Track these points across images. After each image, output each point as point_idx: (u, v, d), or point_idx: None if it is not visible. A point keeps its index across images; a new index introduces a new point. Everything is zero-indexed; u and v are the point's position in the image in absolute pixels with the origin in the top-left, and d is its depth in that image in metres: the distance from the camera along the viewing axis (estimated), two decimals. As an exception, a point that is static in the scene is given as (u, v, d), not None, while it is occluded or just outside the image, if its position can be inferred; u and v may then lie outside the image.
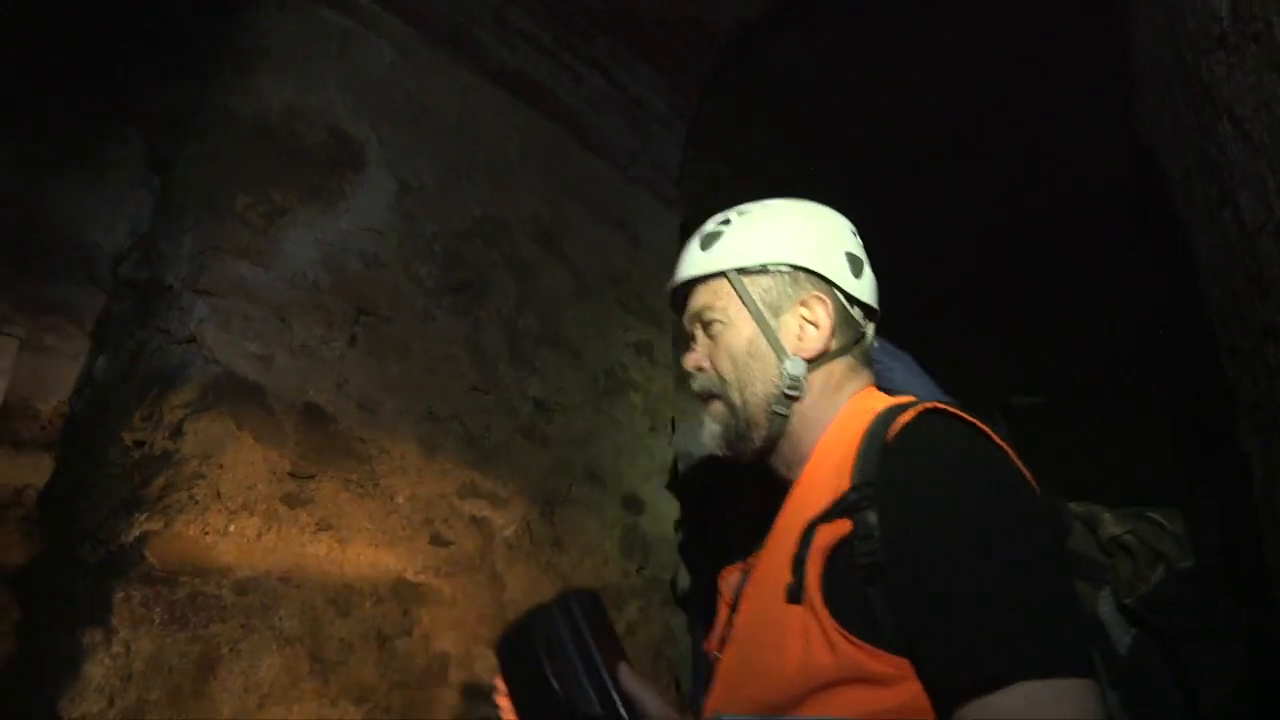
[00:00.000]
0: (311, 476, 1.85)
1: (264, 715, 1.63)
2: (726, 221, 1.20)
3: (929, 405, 0.94)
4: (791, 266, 1.14)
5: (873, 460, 0.90)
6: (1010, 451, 0.92)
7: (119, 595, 1.51)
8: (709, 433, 1.15)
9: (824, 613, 0.85)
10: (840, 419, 1.08)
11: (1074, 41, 3.30)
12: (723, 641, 1.07)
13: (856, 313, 1.17)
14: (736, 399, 1.12)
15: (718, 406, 1.14)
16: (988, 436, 0.92)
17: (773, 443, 1.11)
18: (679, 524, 2.96)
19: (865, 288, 1.18)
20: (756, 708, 0.89)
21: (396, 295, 2.14)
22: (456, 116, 2.44)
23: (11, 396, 1.77)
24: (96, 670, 1.46)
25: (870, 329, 1.20)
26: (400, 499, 2.00)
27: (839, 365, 1.13)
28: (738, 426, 1.12)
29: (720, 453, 1.15)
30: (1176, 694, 0.85)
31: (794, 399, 1.10)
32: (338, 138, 2.10)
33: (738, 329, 1.14)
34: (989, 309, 4.41)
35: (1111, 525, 0.92)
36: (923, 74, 3.70)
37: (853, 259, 1.18)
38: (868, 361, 1.19)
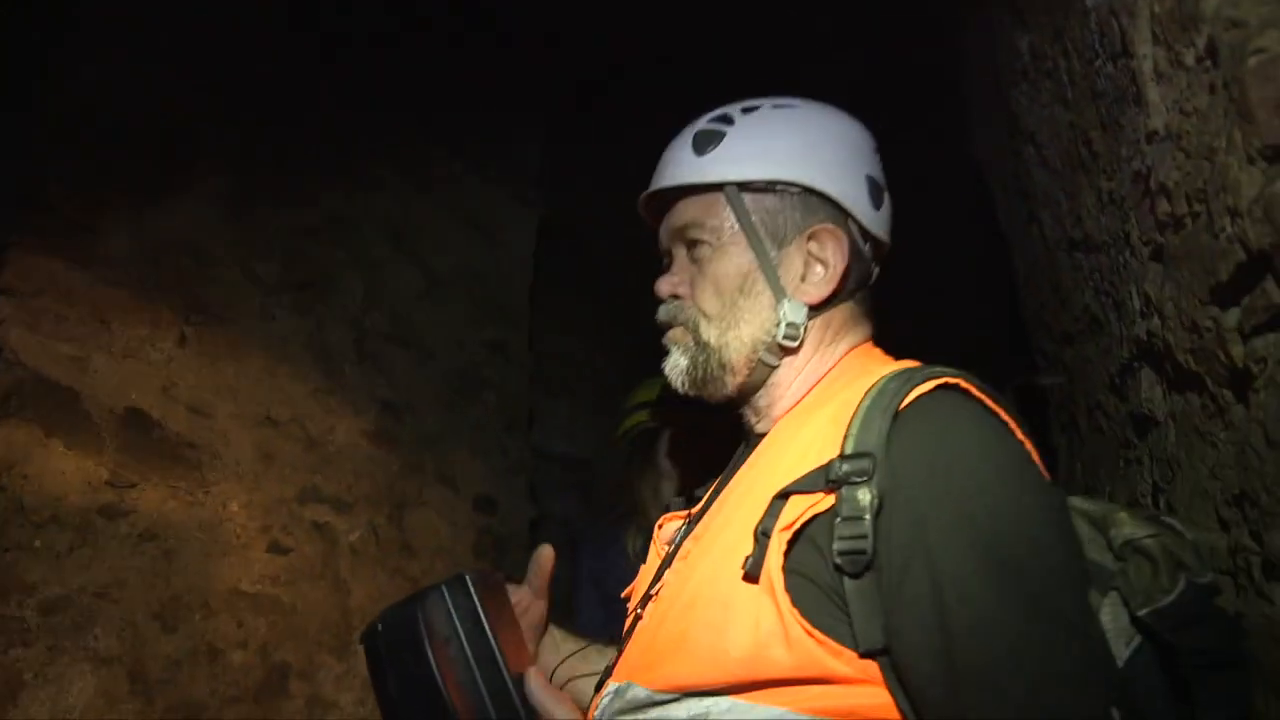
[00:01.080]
0: (133, 485, 1.75)
1: (75, 742, 1.53)
2: (727, 120, 0.98)
3: (950, 379, 0.79)
4: (803, 188, 0.94)
5: (875, 431, 0.75)
6: (1030, 443, 0.80)
7: (-100, 622, 1.38)
8: (673, 365, 0.97)
9: (784, 598, 0.72)
10: (834, 376, 0.93)
11: (923, 75, 3.48)
12: (646, 598, 0.91)
13: (868, 250, 0.98)
14: (713, 338, 0.94)
15: (686, 338, 0.96)
16: (1011, 427, 0.79)
17: (749, 392, 0.96)
18: (534, 523, 2.96)
19: (882, 220, 0.99)
20: (681, 690, 0.77)
21: (233, 293, 2.05)
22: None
23: None
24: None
25: (875, 268, 1.01)
26: (234, 506, 1.92)
27: (840, 313, 0.96)
28: (708, 367, 0.95)
29: (681, 389, 0.97)
30: (1172, 715, 0.74)
31: (788, 350, 0.94)
32: (169, 128, 1.98)
33: (730, 257, 0.94)
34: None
35: (1130, 526, 0.78)
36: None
37: (873, 185, 0.98)
38: (870, 310, 1.00)
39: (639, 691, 0.79)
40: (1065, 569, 0.73)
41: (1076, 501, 0.84)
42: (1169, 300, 0.98)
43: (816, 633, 0.70)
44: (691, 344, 0.96)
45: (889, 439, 0.74)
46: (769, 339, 0.92)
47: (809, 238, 0.94)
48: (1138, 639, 0.74)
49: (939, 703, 0.68)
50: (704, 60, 3.76)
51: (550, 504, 3.26)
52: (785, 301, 0.92)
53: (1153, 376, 1.14)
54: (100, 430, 1.72)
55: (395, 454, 2.36)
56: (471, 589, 0.77)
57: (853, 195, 0.96)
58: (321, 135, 2.38)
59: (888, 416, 0.75)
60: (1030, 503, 0.74)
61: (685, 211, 0.97)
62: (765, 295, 0.93)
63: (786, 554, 0.74)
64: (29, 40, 1.87)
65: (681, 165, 0.98)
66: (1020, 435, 0.79)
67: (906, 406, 0.76)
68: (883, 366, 0.89)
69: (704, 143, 0.97)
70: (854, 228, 0.96)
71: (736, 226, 0.94)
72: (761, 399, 0.96)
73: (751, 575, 0.75)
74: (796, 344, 0.93)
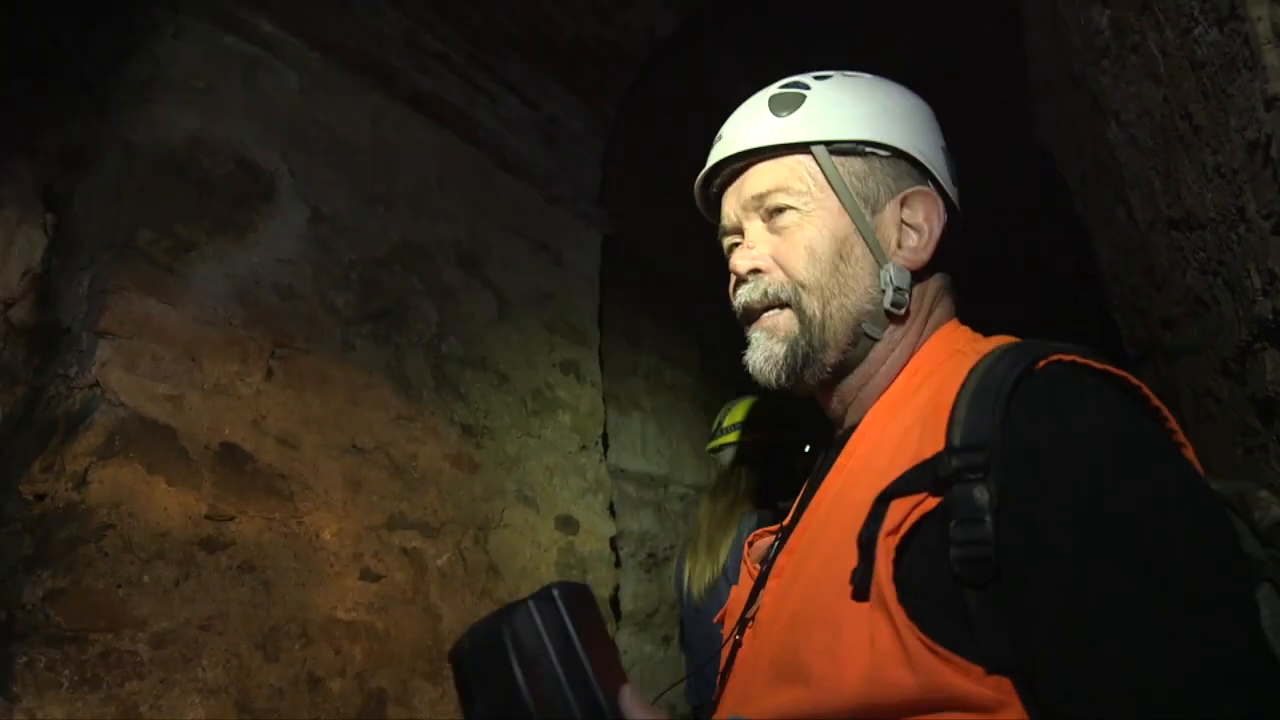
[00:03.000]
0: (231, 518, 1.79)
1: (189, 772, 1.56)
2: (803, 85, 0.92)
3: (1066, 355, 0.71)
4: (893, 151, 0.88)
5: (987, 418, 0.67)
6: (1170, 416, 0.71)
7: (21, 660, 1.43)
8: (766, 354, 0.89)
9: (899, 614, 0.64)
10: (923, 356, 0.85)
11: (989, 57, 3.42)
12: (744, 623, 0.84)
13: (951, 223, 0.91)
14: (816, 310, 0.86)
15: (785, 320, 0.88)
16: (1143, 401, 0.71)
17: (843, 372, 0.88)
18: (614, 541, 2.95)
19: (958, 193, 0.93)
20: None
21: (314, 326, 2.09)
22: (370, 142, 2.40)
23: (-103, 453, 1.67)
24: (1, 742, 1.38)
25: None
26: (327, 535, 1.95)
27: (934, 284, 0.90)
28: (810, 346, 0.86)
29: (774, 383, 0.89)
30: None
31: (894, 319, 0.86)
32: (246, 168, 2.04)
33: (823, 222, 0.87)
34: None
35: (1279, 506, 0.68)
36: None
37: (950, 157, 0.93)
38: (954, 285, 0.93)
39: None
40: (1220, 554, 0.62)
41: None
42: (1295, 275, 0.93)
43: (940, 649, 0.62)
44: (793, 324, 0.88)
45: (1003, 426, 0.66)
46: (874, 308, 0.86)
47: (901, 202, 0.88)
48: None
49: (1084, 716, 0.59)
50: (758, 50, 3.75)
51: (627, 521, 3.25)
52: (889, 266, 0.86)
53: (1279, 357, 1.08)
54: (198, 466, 1.77)
55: (477, 477, 2.38)
56: (560, 604, 0.70)
57: (938, 161, 0.91)
58: (390, 167, 2.43)
59: (1000, 401, 0.67)
60: (1173, 486, 0.64)
61: (764, 177, 0.91)
62: (866, 260, 0.87)
63: (894, 563, 0.66)
64: (117, 88, 1.95)
65: (761, 128, 0.91)
66: (1156, 405, 0.71)
67: (1021, 388, 0.68)
68: (981, 344, 0.81)
69: (782, 106, 0.91)
70: (943, 195, 0.90)
71: (828, 189, 0.88)
72: (853, 380, 0.89)
73: (860, 590, 0.67)
74: (903, 311, 0.86)
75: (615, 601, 2.87)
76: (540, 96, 3.15)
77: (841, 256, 0.87)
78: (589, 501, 2.80)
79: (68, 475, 1.60)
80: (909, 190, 0.88)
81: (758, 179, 0.91)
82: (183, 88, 1.96)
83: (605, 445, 3.03)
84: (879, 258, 0.86)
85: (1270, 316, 1.04)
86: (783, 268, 0.88)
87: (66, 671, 1.46)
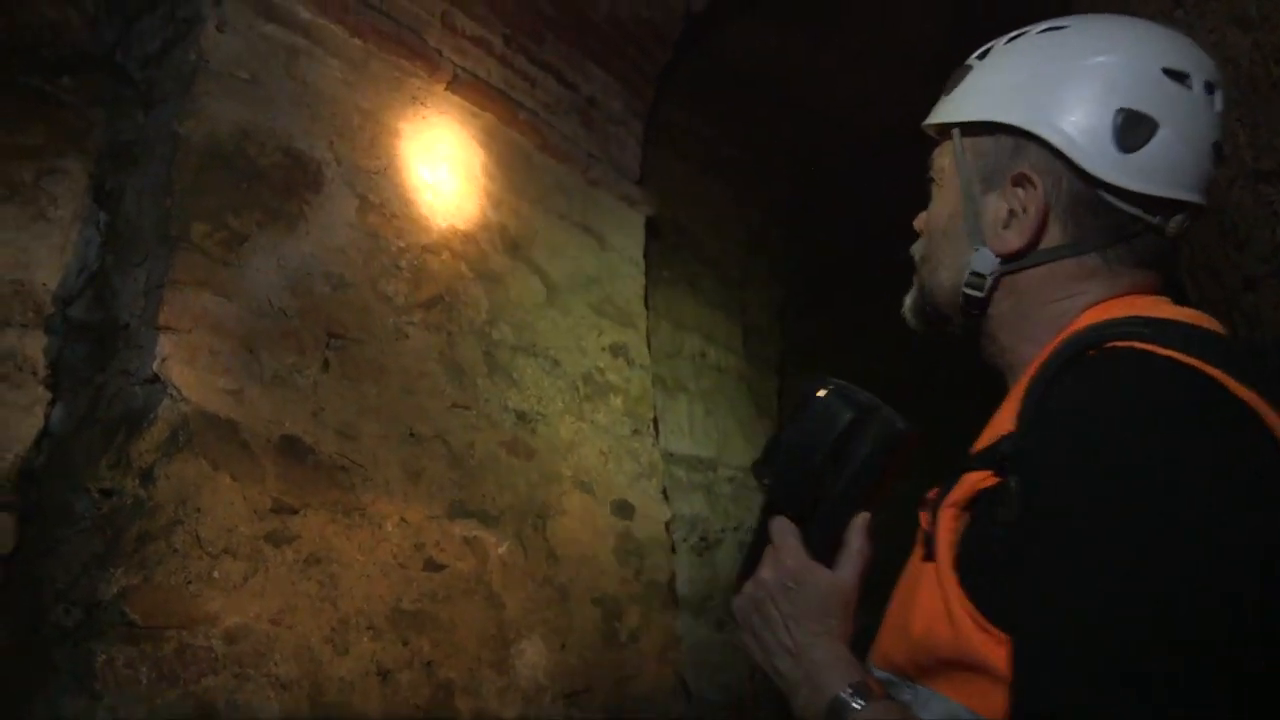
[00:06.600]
0: (295, 511, 1.77)
1: (267, 767, 1.55)
2: (984, 54, 0.93)
3: (1124, 341, 0.68)
4: (1013, 129, 0.86)
5: (1031, 404, 0.69)
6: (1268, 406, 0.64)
7: (101, 658, 1.42)
8: (905, 303, 0.98)
9: (950, 578, 0.68)
10: (1046, 333, 0.83)
11: (1029, 12, 3.32)
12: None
13: (1115, 200, 0.81)
14: (925, 279, 0.94)
15: (915, 281, 0.97)
16: (1223, 392, 0.63)
17: (975, 342, 0.92)
18: (669, 525, 2.91)
19: (1142, 165, 0.80)
20: (889, 666, 0.76)
21: (366, 315, 2.07)
22: (412, 128, 2.36)
23: (-36, 455, 1.66)
24: (84, 739, 1.37)
25: (1170, 221, 0.82)
26: (389, 526, 1.93)
27: (1068, 268, 0.84)
28: (925, 309, 0.95)
29: (917, 327, 0.97)
30: None
31: (975, 299, 0.87)
32: (293, 158, 2.01)
33: (944, 198, 0.93)
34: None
35: None
36: (880, 55, 3.71)
37: (1133, 121, 0.80)
38: (1139, 263, 0.83)
39: (872, 666, 0.80)
40: (1223, 532, 0.56)
41: None
42: None
43: (977, 615, 0.65)
44: (914, 285, 0.97)
45: (1037, 411, 0.68)
46: (964, 287, 0.88)
47: (1013, 182, 0.86)
48: None
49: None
50: (795, 20, 3.67)
51: (678, 505, 3.21)
52: (980, 248, 0.87)
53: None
54: (260, 459, 1.75)
55: (533, 464, 2.35)
56: (897, 435, 0.84)
57: (1079, 136, 0.82)
58: (434, 153, 2.39)
59: (1042, 387, 0.69)
60: (1181, 471, 0.58)
61: (937, 149, 0.97)
62: (962, 240, 0.89)
63: (955, 530, 0.71)
64: (162, 82, 1.93)
65: (937, 106, 0.96)
66: (1240, 396, 0.62)
67: (1062, 375, 0.68)
68: (1089, 321, 0.78)
69: (954, 82, 0.95)
70: (1072, 174, 0.83)
71: (955, 167, 0.91)
72: (992, 350, 0.90)
73: (928, 551, 0.73)
74: (981, 294, 0.87)
75: (671, 585, 2.84)
76: (578, 77, 3.10)
77: (945, 233, 0.91)
78: (644, 486, 2.77)
79: (134, 471, 1.59)
80: (1021, 169, 0.86)
81: (936, 150, 0.98)
82: (228, 78, 1.94)
83: (656, 429, 2.99)
84: (973, 238, 0.88)
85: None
86: (924, 235, 0.97)
87: (144, 669, 1.45)
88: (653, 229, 3.28)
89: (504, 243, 2.52)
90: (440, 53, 2.51)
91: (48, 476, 1.73)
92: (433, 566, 1.99)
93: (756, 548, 0.88)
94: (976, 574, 0.67)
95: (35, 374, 1.80)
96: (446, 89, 2.50)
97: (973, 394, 1.05)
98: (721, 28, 3.71)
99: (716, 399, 3.99)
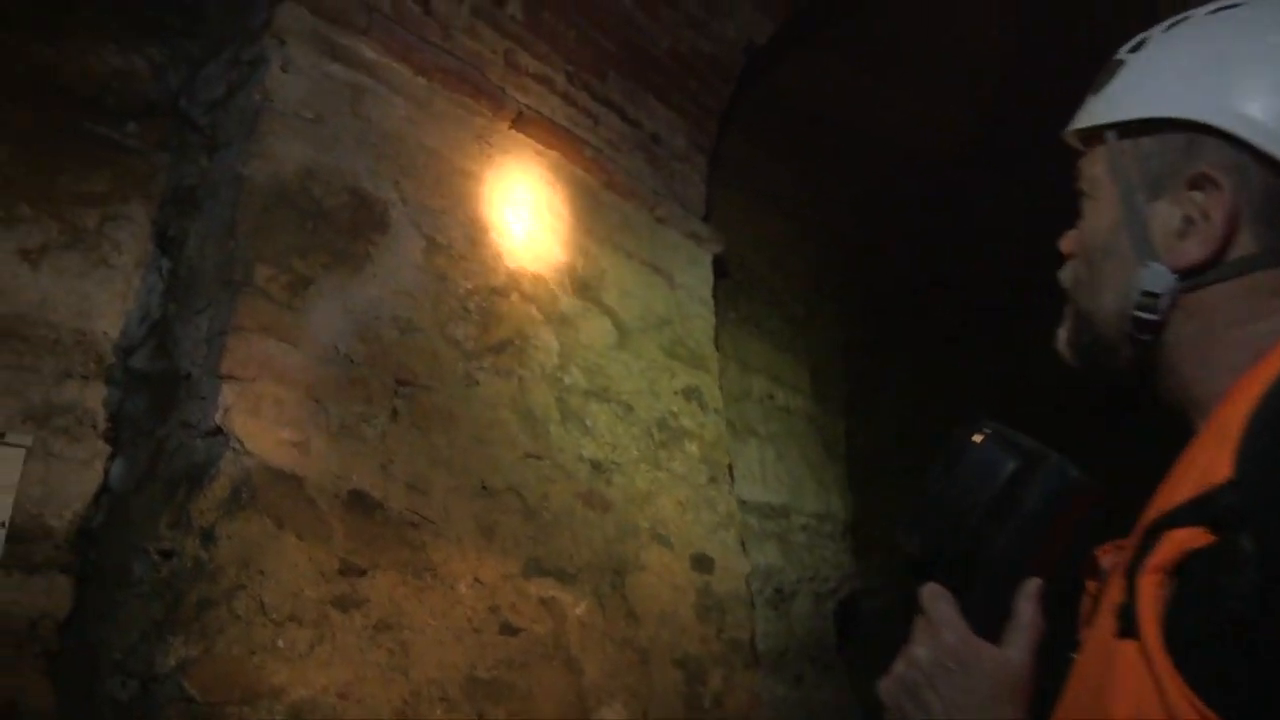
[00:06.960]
0: (363, 572, 1.64)
1: None
2: (1138, 46, 0.81)
3: None
4: (1190, 124, 0.74)
5: (1264, 447, 0.57)
6: None
7: (159, 738, 1.29)
8: (1058, 338, 0.86)
9: (1162, 661, 0.55)
10: (1270, 361, 0.69)
11: (1090, 37, 3.18)
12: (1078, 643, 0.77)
13: None
14: (1083, 303, 0.81)
15: (1068, 311, 0.84)
16: None
17: (1148, 374, 0.79)
18: (748, 579, 2.73)
19: None
20: None
21: (435, 361, 1.95)
22: (478, 166, 2.28)
23: (19, 514, 1.57)
24: (139, 831, 1.23)
25: None
26: (462, 586, 1.79)
27: (1266, 280, 0.72)
28: (1083, 340, 0.82)
29: (1074, 363, 0.84)
30: None
31: (1148, 323, 0.75)
32: (359, 198, 1.93)
33: (1099, 211, 0.80)
34: (1029, 317, 4.24)
35: None
36: (943, 81, 3.58)
37: None
38: None
39: None
40: None
41: None
42: None
43: (1203, 707, 0.51)
44: (1070, 315, 0.83)
45: (1271, 457, 0.55)
46: (1128, 310, 0.75)
47: (1189, 184, 0.73)
48: None
49: None
50: (853, 51, 3.56)
51: (752, 555, 3.02)
52: (1150, 264, 0.74)
53: None
54: (327, 516, 1.63)
55: (609, 516, 2.20)
56: (1069, 489, 0.75)
57: (1273, 122, 0.70)
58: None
59: (1269, 424, 0.57)
60: None
61: (1085, 158, 0.84)
62: (1127, 256, 0.76)
63: (1161, 603, 0.57)
64: (226, 124, 1.87)
65: (1082, 109, 0.84)
66: None
67: None
68: None
69: (1103, 80, 0.82)
70: (1266, 171, 0.70)
71: (1110, 175, 0.79)
72: (1172, 384, 0.76)
73: (1125, 627, 0.59)
74: (1156, 318, 0.74)
75: (753, 644, 2.64)
76: (640, 113, 3.01)
77: (1105, 250, 0.79)
78: (722, 537, 2.60)
79: (195, 531, 1.47)
80: (1201, 170, 0.72)
81: (1083, 159, 0.86)
82: (292, 118, 1.87)
83: (731, 475, 2.82)
84: (1140, 254, 0.75)
85: None
86: (1078, 255, 0.84)
87: (204, 751, 1.32)
88: (719, 267, 3.16)
89: (573, 283, 2.41)
90: (504, 90, 2.43)
91: (106, 536, 1.63)
92: (508, 630, 1.84)
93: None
94: (1196, 656, 0.54)
95: (95, 427, 1.72)
96: (511, 127, 2.43)
97: (1060, 439, 0.88)
98: (782, 60, 3.62)
99: (786, 442, 3.82)
